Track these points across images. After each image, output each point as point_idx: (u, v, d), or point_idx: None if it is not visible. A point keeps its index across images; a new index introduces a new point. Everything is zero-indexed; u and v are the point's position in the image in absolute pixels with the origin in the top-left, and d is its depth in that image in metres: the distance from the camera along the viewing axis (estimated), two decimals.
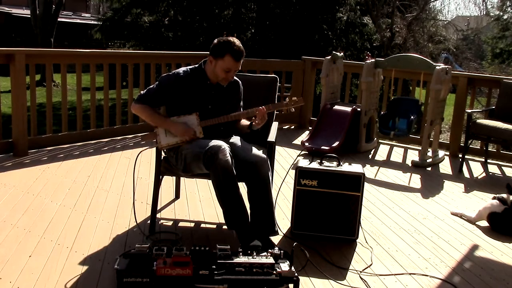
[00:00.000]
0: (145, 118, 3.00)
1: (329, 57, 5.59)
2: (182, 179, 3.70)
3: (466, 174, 4.84)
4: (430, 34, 17.64)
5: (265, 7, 12.19)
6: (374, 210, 3.67)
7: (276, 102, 3.33)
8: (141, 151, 3.39)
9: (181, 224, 3.23)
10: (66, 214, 3.23)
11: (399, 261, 2.84)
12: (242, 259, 2.32)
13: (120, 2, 13.02)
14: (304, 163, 3.05)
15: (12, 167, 4.18)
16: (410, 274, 2.69)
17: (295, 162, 3.61)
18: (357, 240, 3.05)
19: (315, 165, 3.03)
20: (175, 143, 2.87)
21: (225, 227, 2.75)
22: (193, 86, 2.94)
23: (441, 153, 5.36)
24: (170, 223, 3.23)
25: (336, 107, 5.54)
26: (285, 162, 4.82)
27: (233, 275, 2.25)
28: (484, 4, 39.43)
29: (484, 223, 3.47)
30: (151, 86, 3.01)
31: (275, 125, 3.27)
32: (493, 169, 5.11)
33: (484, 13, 24.13)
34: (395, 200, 3.94)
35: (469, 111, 4.99)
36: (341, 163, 3.05)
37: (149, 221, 3.10)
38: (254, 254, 2.36)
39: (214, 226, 3.20)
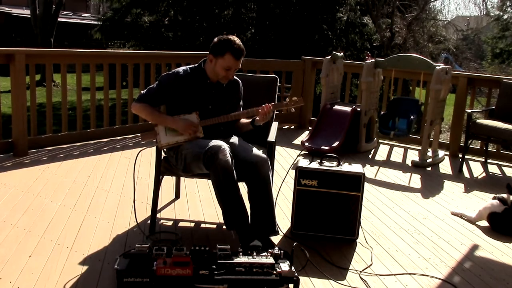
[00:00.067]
0: (145, 117, 3.00)
1: (329, 57, 5.59)
2: (182, 179, 3.70)
3: (466, 174, 4.84)
4: (430, 34, 17.64)
5: (265, 7, 12.19)
6: (374, 210, 3.67)
7: (276, 102, 3.32)
8: (140, 151, 3.39)
9: (181, 224, 3.23)
10: (66, 214, 3.23)
11: (399, 261, 2.84)
12: (242, 259, 2.32)
13: (120, 2, 13.02)
14: (304, 163, 3.05)
15: (12, 167, 4.18)
16: (410, 274, 2.69)
17: (295, 162, 3.61)
18: (357, 240, 3.05)
19: (315, 165, 3.03)
20: (175, 142, 2.87)
21: (225, 227, 2.75)
22: (193, 85, 2.94)
23: (441, 153, 5.36)
24: (170, 223, 3.23)
25: (336, 107, 5.54)
26: (285, 162, 4.82)
27: (233, 275, 2.25)
28: (484, 4, 39.46)
29: (484, 223, 3.47)
30: (151, 86, 3.01)
31: (275, 125, 3.27)
32: (493, 169, 5.11)
33: (484, 13, 24.14)
34: (395, 200, 3.94)
35: (469, 111, 4.99)
36: (341, 163, 3.05)
37: (149, 221, 3.10)
38: (254, 254, 2.36)
39: (214, 226, 3.20)
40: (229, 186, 2.65)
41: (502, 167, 5.17)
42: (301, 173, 2.99)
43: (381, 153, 5.54)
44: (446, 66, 5.06)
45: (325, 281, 2.55)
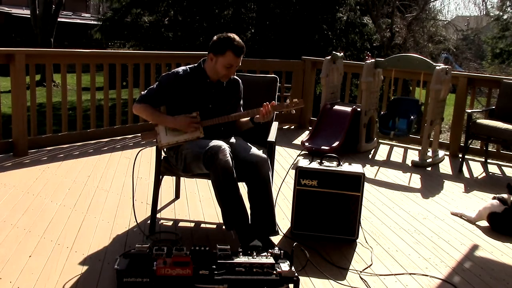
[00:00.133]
0: (146, 117, 3.00)
1: (329, 57, 5.59)
2: (182, 179, 3.70)
3: (466, 174, 4.84)
4: (430, 34, 17.65)
5: (265, 7, 12.19)
6: (374, 210, 3.67)
7: (276, 102, 3.32)
8: (140, 151, 3.40)
9: (181, 224, 3.23)
10: (66, 214, 3.23)
11: (399, 261, 2.84)
12: (242, 259, 2.32)
13: (120, 2, 13.02)
14: (304, 163, 3.05)
15: (12, 167, 4.18)
16: (410, 274, 2.69)
17: (295, 162, 3.61)
18: (357, 240, 3.05)
19: (315, 165, 3.03)
20: (175, 142, 2.87)
21: (224, 227, 2.75)
22: (193, 85, 2.94)
23: (441, 153, 5.36)
24: (170, 223, 3.23)
25: (336, 107, 5.54)
26: (285, 162, 4.82)
27: (233, 275, 2.25)
28: (484, 4, 39.46)
29: (484, 223, 3.47)
30: (152, 86, 3.01)
31: (275, 125, 3.27)
32: (493, 169, 5.11)
33: (484, 13, 24.15)
34: (395, 200, 3.94)
35: (469, 111, 4.99)
36: (341, 163, 3.05)
37: (149, 221, 3.10)
38: (254, 254, 2.36)
39: (214, 226, 3.20)
40: (229, 186, 2.65)
41: (502, 167, 5.17)
42: (301, 173, 2.99)
43: (381, 153, 5.54)
44: (446, 66, 5.06)
45: (325, 281, 2.55)
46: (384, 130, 5.32)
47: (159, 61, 6.06)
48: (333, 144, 5.05)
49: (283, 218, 3.35)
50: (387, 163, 5.11)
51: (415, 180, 4.55)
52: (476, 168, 5.05)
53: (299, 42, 11.59)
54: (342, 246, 2.98)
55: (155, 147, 2.93)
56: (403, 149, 5.75)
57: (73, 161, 4.47)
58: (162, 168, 2.99)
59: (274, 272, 2.28)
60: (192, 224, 3.23)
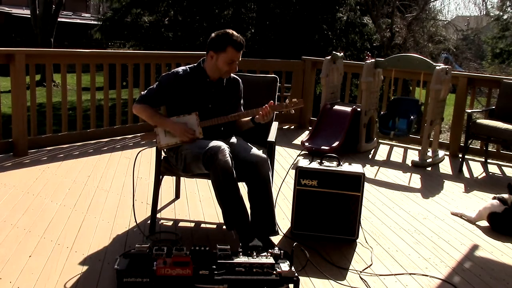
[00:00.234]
0: (145, 118, 3.00)
1: (329, 57, 5.59)
2: (182, 179, 3.70)
3: (466, 174, 4.84)
4: (430, 34, 17.65)
5: (265, 7, 12.19)
6: (374, 210, 3.67)
7: (276, 102, 3.32)
8: (140, 151, 3.40)
9: (181, 224, 3.23)
10: (66, 214, 3.23)
11: (399, 261, 2.84)
12: (242, 259, 2.32)
13: (120, 2, 13.02)
14: (304, 163, 3.05)
15: (12, 167, 4.18)
16: (410, 274, 2.69)
17: (295, 162, 3.61)
18: (357, 240, 3.05)
19: (315, 165, 3.03)
20: (174, 143, 2.87)
21: (225, 227, 2.75)
22: (193, 85, 2.94)
23: (441, 153, 5.36)
24: (170, 223, 3.23)
25: (336, 107, 5.54)
26: (285, 162, 4.82)
27: (233, 275, 2.25)
28: (484, 4, 39.44)
29: (484, 223, 3.47)
30: (152, 86, 3.01)
31: (275, 125, 3.27)
32: (493, 169, 5.11)
33: (484, 13, 24.16)
34: (395, 200, 3.94)
35: (469, 111, 4.99)
36: (341, 163, 3.05)
37: (149, 221, 3.10)
38: (254, 254, 2.36)
39: (214, 226, 3.20)
40: (229, 186, 2.65)
41: (502, 167, 5.17)
42: (301, 173, 2.99)
43: (381, 153, 5.54)
44: (446, 66, 5.06)
45: (325, 281, 2.55)
46: (384, 130, 5.32)
47: (159, 61, 6.06)
48: (333, 144, 5.05)
49: (283, 218, 3.35)
50: (387, 163, 5.11)
51: (415, 180, 4.55)
52: (476, 168, 5.05)
53: (299, 42, 11.58)
54: (342, 246, 2.98)
55: (155, 147, 2.93)
56: (403, 149, 5.75)
57: (73, 161, 4.48)
58: (162, 168, 2.99)
59: (274, 272, 2.28)
60: (192, 224, 3.23)
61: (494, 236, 3.28)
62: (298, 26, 11.77)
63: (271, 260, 2.33)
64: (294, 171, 3.02)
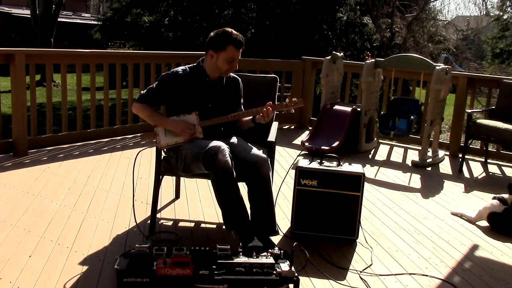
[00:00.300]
0: (145, 117, 3.01)
1: (329, 57, 5.59)
2: (182, 179, 3.70)
3: (466, 174, 4.84)
4: (430, 34, 17.66)
5: (265, 7, 12.19)
6: (374, 210, 3.67)
7: (276, 102, 3.33)
8: (140, 151, 3.40)
9: (181, 224, 3.23)
10: (66, 214, 3.23)
11: (399, 261, 2.84)
12: (242, 259, 2.32)
13: (120, 2, 13.02)
14: (304, 163, 3.05)
15: (12, 167, 4.18)
16: (410, 274, 2.69)
17: (295, 162, 3.60)
18: (357, 240, 3.05)
19: (315, 165, 3.03)
20: (174, 143, 2.87)
21: (224, 227, 2.75)
22: (193, 84, 2.94)
23: (441, 153, 5.36)
24: (170, 223, 3.23)
25: (336, 107, 5.54)
26: (285, 162, 4.82)
27: (233, 275, 2.25)
28: (484, 4, 39.43)
29: (484, 223, 3.46)
30: (151, 86, 3.01)
31: (275, 125, 3.27)
32: (493, 169, 5.11)
33: (484, 13, 24.16)
34: (395, 200, 3.94)
35: (469, 111, 4.99)
36: (341, 163, 3.05)
37: (149, 221, 3.10)
38: (254, 254, 2.36)
39: (214, 226, 3.20)
40: (229, 187, 2.65)
41: (502, 167, 5.17)
42: (301, 173, 2.99)
43: (381, 153, 5.54)
44: (446, 66, 5.06)
45: (325, 281, 2.55)
46: (384, 130, 5.32)
47: (159, 61, 6.06)
48: (333, 144, 5.05)
49: (283, 218, 3.35)
50: (387, 163, 5.11)
51: (415, 180, 4.55)
52: (476, 168, 5.05)
53: (299, 42, 11.58)
54: (342, 246, 2.98)
55: (155, 147, 2.93)
56: (403, 149, 5.75)
57: (73, 161, 4.48)
58: (162, 168, 2.99)
59: (274, 272, 2.28)
60: (192, 224, 3.23)
61: (494, 236, 3.28)
62: (298, 26, 11.77)
63: (271, 260, 2.33)
64: (294, 171, 3.02)
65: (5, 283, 2.35)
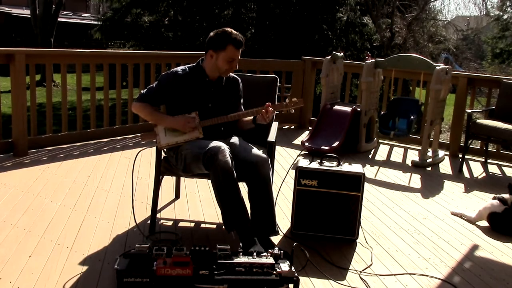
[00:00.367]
0: (145, 116, 3.01)
1: (329, 57, 5.59)
2: (182, 179, 3.70)
3: (466, 174, 4.84)
4: (430, 34, 17.66)
5: (265, 7, 12.19)
6: (374, 210, 3.67)
7: (276, 102, 3.32)
8: (140, 151, 3.40)
9: (181, 224, 3.23)
10: (66, 214, 3.23)
11: (399, 261, 2.84)
12: (242, 259, 2.32)
13: (120, 2, 13.02)
14: (304, 163, 3.05)
15: (12, 167, 4.18)
16: (410, 274, 2.69)
17: (295, 162, 3.61)
18: (357, 240, 3.05)
19: (315, 165, 3.03)
20: (174, 143, 2.87)
21: (224, 227, 2.74)
22: (192, 84, 2.94)
23: (441, 153, 5.36)
24: (170, 223, 3.23)
25: (336, 107, 5.54)
26: (285, 162, 4.82)
27: (233, 275, 2.25)
28: (484, 4, 39.40)
29: (484, 223, 3.46)
30: (151, 85, 3.01)
31: (275, 125, 3.27)
32: (493, 169, 5.11)
33: (484, 13, 24.16)
34: (395, 200, 3.94)
35: (469, 111, 4.99)
36: (341, 163, 3.05)
37: (149, 221, 3.10)
38: (254, 254, 2.36)
39: (214, 226, 3.20)
40: (229, 187, 2.65)
41: (502, 167, 5.17)
42: (301, 173, 2.99)
43: (381, 153, 5.54)
44: (446, 66, 5.06)
45: (325, 281, 2.55)
46: (384, 130, 5.32)
47: (159, 61, 6.06)
48: (333, 144, 5.05)
49: (283, 218, 3.35)
50: (387, 163, 5.11)
51: (415, 180, 4.55)
52: (476, 168, 5.05)
53: (299, 42, 11.58)
54: (342, 246, 2.98)
55: (155, 147, 2.93)
56: (403, 149, 5.75)
57: (73, 161, 4.48)
58: (162, 168, 2.99)
59: (274, 272, 2.28)
60: (192, 224, 3.23)
61: (494, 236, 3.28)
62: (298, 26, 11.77)
63: (271, 260, 2.33)
64: (294, 171, 3.02)
65: (5, 283, 2.35)
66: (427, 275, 2.69)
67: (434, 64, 5.07)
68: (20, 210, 3.26)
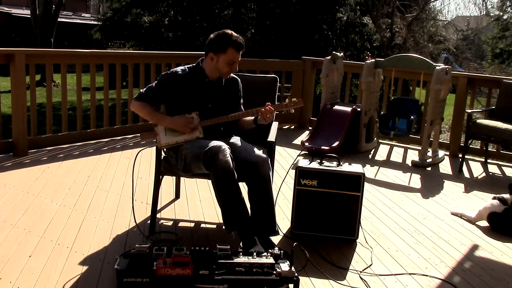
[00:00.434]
0: (144, 116, 3.00)
1: (329, 57, 5.59)
2: (182, 179, 3.70)
3: (466, 174, 4.84)
4: (430, 34, 17.67)
5: (265, 7, 12.19)
6: (374, 210, 3.67)
7: (276, 102, 3.32)
8: (140, 151, 3.40)
9: (181, 224, 3.23)
10: (66, 214, 3.23)
11: (399, 261, 2.84)
12: (242, 259, 2.32)
13: (120, 2, 13.03)
14: (304, 163, 3.05)
15: (12, 167, 4.18)
16: (410, 274, 2.69)
17: (295, 162, 3.61)
18: (357, 240, 3.05)
19: (315, 165, 3.03)
20: (175, 142, 2.86)
21: (224, 228, 2.74)
22: (192, 85, 2.94)
23: (441, 153, 5.36)
24: (170, 223, 3.23)
25: (336, 107, 5.54)
26: (285, 162, 4.82)
27: (233, 275, 2.25)
28: (484, 4, 39.39)
29: (484, 223, 3.46)
30: (151, 85, 3.01)
31: (275, 125, 3.27)
32: (493, 169, 5.11)
33: (484, 13, 24.18)
34: (395, 200, 3.94)
35: (469, 111, 4.99)
36: (341, 163, 3.05)
37: (149, 221, 3.10)
38: (254, 254, 2.36)
39: (214, 226, 3.20)
40: (229, 186, 2.65)
41: (502, 167, 5.17)
42: (301, 173, 2.99)
43: (381, 153, 5.54)
44: (446, 66, 5.06)
45: (325, 281, 2.55)
46: (384, 130, 5.32)
47: (159, 61, 6.06)
48: (333, 144, 5.05)
49: (283, 218, 3.35)
50: (387, 163, 5.11)
51: (415, 180, 4.55)
52: (476, 168, 5.05)
53: (299, 42, 11.59)
54: (342, 246, 2.98)
55: (155, 147, 2.93)
56: (403, 149, 5.75)
57: (73, 161, 4.48)
58: (162, 168, 2.99)
59: (274, 272, 2.28)
60: (192, 224, 3.23)
61: (494, 236, 3.28)
62: (298, 26, 11.77)
63: (271, 260, 2.33)
64: (294, 171, 3.02)
65: (5, 283, 2.35)
66: (427, 275, 2.69)
67: (434, 64, 5.07)
68: (20, 210, 3.26)
